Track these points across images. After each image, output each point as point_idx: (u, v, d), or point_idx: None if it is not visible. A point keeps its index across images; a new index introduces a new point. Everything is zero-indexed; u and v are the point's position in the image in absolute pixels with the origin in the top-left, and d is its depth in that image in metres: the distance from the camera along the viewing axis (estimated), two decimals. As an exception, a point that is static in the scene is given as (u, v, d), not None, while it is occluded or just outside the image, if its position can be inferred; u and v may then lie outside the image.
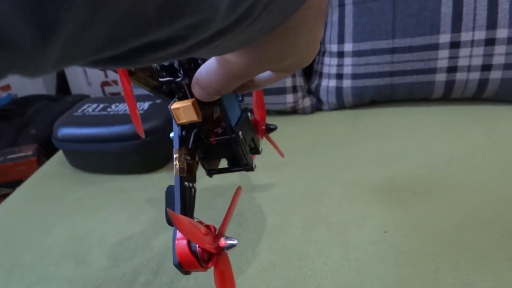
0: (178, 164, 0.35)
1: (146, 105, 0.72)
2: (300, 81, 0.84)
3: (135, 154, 0.68)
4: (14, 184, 1.12)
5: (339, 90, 0.81)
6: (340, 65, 0.79)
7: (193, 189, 0.34)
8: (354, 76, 0.78)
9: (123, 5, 0.12)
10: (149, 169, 0.69)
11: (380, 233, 0.49)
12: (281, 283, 0.44)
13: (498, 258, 0.43)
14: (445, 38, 0.70)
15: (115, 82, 1.63)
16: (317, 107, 0.86)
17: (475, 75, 0.72)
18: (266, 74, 0.32)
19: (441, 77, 0.73)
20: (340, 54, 0.79)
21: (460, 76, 0.72)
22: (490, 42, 0.69)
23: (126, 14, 0.12)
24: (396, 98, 0.80)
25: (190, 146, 0.35)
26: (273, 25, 0.21)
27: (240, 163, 0.37)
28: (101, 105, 0.75)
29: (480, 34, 0.69)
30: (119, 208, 0.61)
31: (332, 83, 0.81)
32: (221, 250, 0.30)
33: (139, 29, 0.14)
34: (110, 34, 0.13)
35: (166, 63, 0.34)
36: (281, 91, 0.82)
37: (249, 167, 0.38)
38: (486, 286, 0.40)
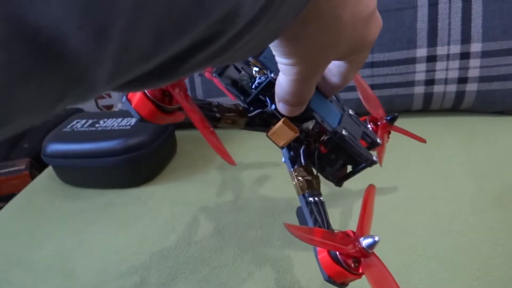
0: (296, 183, 0.35)
1: (133, 120, 0.74)
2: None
3: (122, 169, 0.69)
4: (7, 198, 1.12)
5: (322, 103, 0.83)
6: (323, 79, 0.82)
7: (319, 202, 0.34)
8: (337, 89, 0.80)
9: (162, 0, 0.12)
10: (136, 183, 0.71)
11: (357, 244, 0.50)
12: (259, 294, 0.45)
13: (468, 269, 0.45)
14: (421, 52, 0.72)
15: (108, 94, 1.65)
16: (302, 119, 0.88)
17: (452, 88, 0.74)
18: (337, 69, 0.32)
19: (419, 89, 0.75)
20: (323, 68, 0.81)
21: (437, 88, 0.75)
22: (465, 56, 0.71)
23: (166, 10, 0.13)
24: (378, 110, 0.83)
25: (303, 163, 0.36)
26: (299, 5, 0.21)
27: (359, 160, 0.37)
28: (90, 121, 0.77)
29: (455, 48, 0.71)
30: (107, 222, 0.62)
31: (316, 96, 0.84)
32: (365, 251, 0.29)
33: (179, 26, 0.14)
34: (156, 34, 0.13)
35: (250, 98, 0.35)
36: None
37: (370, 161, 0.37)
38: (457, 295, 0.42)
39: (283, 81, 0.28)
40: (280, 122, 0.33)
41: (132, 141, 0.68)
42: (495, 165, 0.63)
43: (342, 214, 0.57)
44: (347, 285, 0.30)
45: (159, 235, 0.57)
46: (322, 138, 0.36)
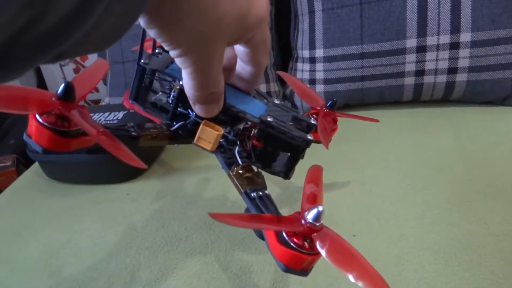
0: (236, 183, 0.34)
1: (120, 114, 0.72)
2: (274, 86, 0.86)
3: (110, 164, 0.68)
4: (-7, 195, 1.11)
5: (312, 95, 0.82)
6: (312, 71, 0.81)
7: (263, 196, 0.33)
8: (326, 81, 0.80)
9: None
10: (124, 178, 0.70)
11: (349, 236, 0.50)
12: (251, 289, 0.45)
13: (460, 260, 0.45)
14: (411, 42, 0.72)
15: (96, 89, 1.62)
16: (292, 112, 0.88)
17: (442, 78, 0.74)
18: (243, 57, 0.31)
19: (409, 80, 0.75)
20: (312, 60, 0.80)
21: (427, 79, 0.74)
22: (454, 46, 0.71)
23: None
24: (368, 102, 0.82)
25: (241, 163, 0.35)
26: None
27: (295, 143, 0.35)
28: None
29: (445, 38, 0.71)
30: (94, 218, 0.61)
31: (305, 88, 0.83)
32: (313, 226, 0.26)
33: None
34: None
35: (170, 113, 0.35)
36: (256, 97, 0.83)
37: (305, 140, 0.35)
38: (449, 287, 0.41)
39: (185, 77, 0.27)
40: (201, 125, 0.32)
41: (120, 136, 0.67)
42: (485, 155, 0.63)
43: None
44: (308, 270, 0.28)
45: (149, 231, 0.56)
46: (253, 132, 0.35)
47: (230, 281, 0.46)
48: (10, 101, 0.28)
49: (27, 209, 0.67)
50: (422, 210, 0.53)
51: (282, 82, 0.90)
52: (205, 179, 0.67)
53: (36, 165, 0.81)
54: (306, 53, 0.81)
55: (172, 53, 0.25)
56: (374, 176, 0.62)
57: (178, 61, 0.26)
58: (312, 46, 0.79)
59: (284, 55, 0.93)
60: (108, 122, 0.70)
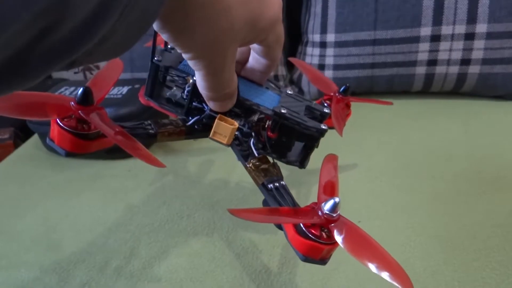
0: (253, 175, 0.35)
1: (125, 89, 0.71)
2: (282, 70, 0.84)
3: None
4: (-11, 168, 1.09)
5: (320, 81, 0.81)
6: (322, 56, 0.79)
7: (280, 187, 0.33)
8: (336, 67, 0.78)
9: None
10: (126, 154, 0.68)
11: (354, 222, 0.49)
12: (254, 269, 0.44)
13: (468, 250, 0.44)
14: (426, 31, 0.71)
15: (97, 66, 1.60)
16: (299, 97, 0.86)
17: (454, 69, 0.72)
18: (258, 53, 0.32)
19: (421, 70, 0.74)
20: (323, 45, 0.79)
21: (439, 69, 0.73)
22: (469, 36, 0.70)
23: None
24: (377, 91, 0.81)
25: (257, 155, 0.35)
26: None
27: (309, 133, 0.35)
28: (80, 89, 0.73)
29: (460, 28, 0.69)
30: (94, 193, 0.60)
31: (314, 73, 0.82)
32: (330, 216, 0.27)
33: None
34: None
35: (185, 108, 0.35)
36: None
37: (319, 130, 0.34)
38: (456, 276, 0.41)
39: (198, 78, 0.27)
40: (216, 120, 0.33)
41: (123, 111, 0.66)
42: (494, 148, 0.62)
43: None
44: (327, 259, 0.29)
45: (150, 208, 0.55)
46: (268, 124, 0.36)
47: (232, 260, 0.45)
48: (30, 108, 0.29)
49: (25, 181, 0.66)
50: (430, 199, 0.52)
51: (289, 67, 0.89)
52: (208, 160, 0.66)
53: (34, 138, 0.80)
54: (316, 38, 0.79)
55: (185, 56, 0.25)
56: (382, 163, 0.61)
57: (190, 63, 0.26)
58: (323, 30, 0.78)
59: (293, 39, 0.91)
60: (112, 96, 0.68)
